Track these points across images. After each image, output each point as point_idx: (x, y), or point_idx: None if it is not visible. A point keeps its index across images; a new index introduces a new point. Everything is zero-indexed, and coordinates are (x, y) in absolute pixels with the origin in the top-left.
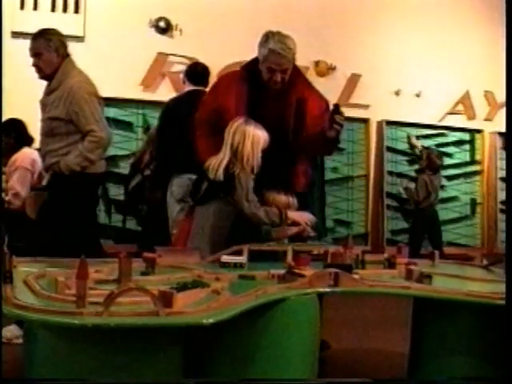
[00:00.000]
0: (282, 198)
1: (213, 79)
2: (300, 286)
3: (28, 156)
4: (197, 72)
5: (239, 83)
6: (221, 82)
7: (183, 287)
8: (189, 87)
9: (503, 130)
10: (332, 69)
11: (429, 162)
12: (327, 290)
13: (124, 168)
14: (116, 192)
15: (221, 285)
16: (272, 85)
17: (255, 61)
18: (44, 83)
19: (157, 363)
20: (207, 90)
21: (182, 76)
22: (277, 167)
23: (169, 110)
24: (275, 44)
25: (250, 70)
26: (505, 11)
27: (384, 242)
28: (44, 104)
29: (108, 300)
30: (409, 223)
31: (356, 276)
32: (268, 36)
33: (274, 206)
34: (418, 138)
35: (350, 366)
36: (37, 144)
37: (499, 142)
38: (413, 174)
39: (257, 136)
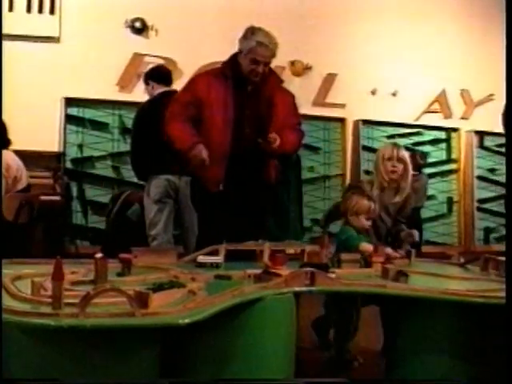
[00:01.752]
0: None
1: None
2: (276, 286)
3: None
4: (164, 73)
5: (220, 79)
6: (200, 79)
7: (159, 288)
8: (159, 89)
9: (479, 128)
10: (308, 68)
11: (412, 163)
12: (303, 289)
13: (100, 169)
14: (93, 193)
15: (197, 285)
16: (253, 76)
17: (234, 57)
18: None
19: (133, 364)
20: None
21: (148, 81)
22: (251, 161)
23: (143, 111)
24: (263, 37)
25: (230, 67)
26: (505, 11)
27: None
28: None
29: (84, 301)
30: None
31: (332, 275)
32: (253, 30)
33: None
34: (394, 136)
35: (327, 364)
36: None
37: (475, 140)
38: None
39: None
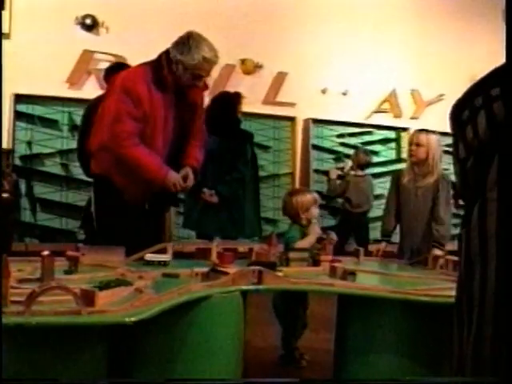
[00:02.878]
0: None
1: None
2: (223, 284)
3: None
4: (108, 70)
5: (162, 92)
6: (141, 88)
7: (106, 286)
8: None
9: (429, 127)
10: (258, 67)
11: (356, 160)
12: (250, 287)
13: (49, 166)
14: (41, 190)
15: (144, 283)
16: (191, 88)
17: (169, 62)
18: None
19: (80, 362)
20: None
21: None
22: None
23: (92, 108)
24: (209, 51)
25: (169, 76)
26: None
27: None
28: None
29: (30, 299)
30: (336, 220)
31: (280, 273)
32: (197, 42)
33: None
34: (343, 135)
35: (277, 364)
36: None
37: None
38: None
39: None
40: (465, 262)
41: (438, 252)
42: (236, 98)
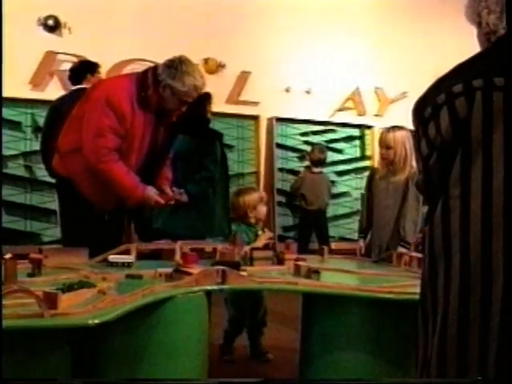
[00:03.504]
0: None
1: (102, 77)
2: (187, 284)
3: None
4: (77, 70)
5: (143, 110)
6: (125, 105)
7: (69, 288)
8: (73, 86)
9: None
10: (221, 66)
11: (310, 156)
12: (214, 287)
13: (12, 168)
14: (5, 192)
15: (107, 285)
16: (173, 113)
17: (156, 84)
18: None
19: (44, 364)
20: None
21: (84, 76)
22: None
23: (54, 109)
24: (200, 79)
25: (142, 90)
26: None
27: (275, 239)
28: None
29: None
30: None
31: (244, 273)
32: (188, 70)
33: None
34: (307, 134)
35: (241, 363)
36: None
37: None
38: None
39: None
40: (429, 259)
41: (402, 250)
42: (205, 97)
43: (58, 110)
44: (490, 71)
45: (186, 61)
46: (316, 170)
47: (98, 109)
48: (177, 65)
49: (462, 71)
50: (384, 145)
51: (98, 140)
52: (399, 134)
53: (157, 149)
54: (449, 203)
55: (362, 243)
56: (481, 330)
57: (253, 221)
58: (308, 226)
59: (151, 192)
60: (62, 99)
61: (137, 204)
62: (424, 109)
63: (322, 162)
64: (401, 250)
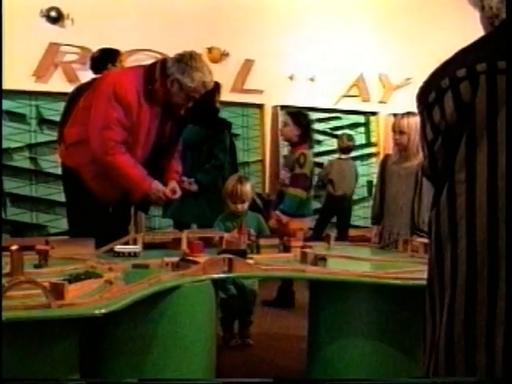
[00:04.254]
0: None
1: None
2: (194, 273)
3: None
4: (98, 59)
5: (150, 103)
6: (132, 97)
7: (76, 278)
8: (92, 75)
9: (398, 112)
10: (225, 55)
11: (339, 144)
12: (221, 275)
13: (17, 160)
14: (10, 185)
15: (114, 274)
16: (179, 107)
17: (153, 72)
18: None
19: (52, 355)
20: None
21: (105, 66)
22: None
23: (71, 98)
24: (209, 76)
25: (160, 90)
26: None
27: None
28: None
29: None
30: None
31: (250, 261)
32: (197, 65)
33: None
34: (312, 121)
35: (251, 352)
36: None
37: None
38: None
39: None
40: (435, 244)
41: (419, 240)
42: (214, 87)
43: (76, 99)
44: (494, 55)
45: (196, 56)
46: (344, 156)
47: (106, 101)
48: (187, 60)
49: (465, 55)
50: (398, 130)
51: (105, 132)
52: (413, 119)
53: (163, 142)
54: (454, 188)
55: (375, 230)
56: (488, 313)
57: (234, 209)
58: (332, 210)
59: (159, 185)
60: (79, 88)
61: (142, 198)
62: (428, 94)
63: (350, 149)
64: (417, 239)
